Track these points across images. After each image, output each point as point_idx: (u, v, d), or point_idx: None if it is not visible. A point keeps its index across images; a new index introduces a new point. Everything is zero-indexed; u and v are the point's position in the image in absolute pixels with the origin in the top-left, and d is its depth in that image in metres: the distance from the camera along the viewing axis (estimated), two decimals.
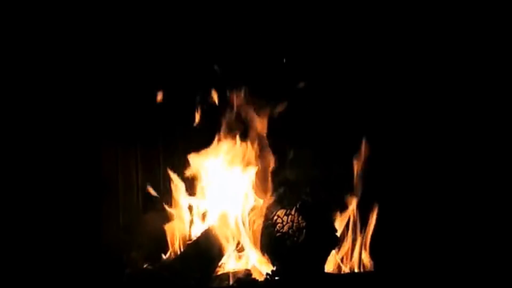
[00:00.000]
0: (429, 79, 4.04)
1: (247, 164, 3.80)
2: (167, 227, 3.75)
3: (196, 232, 3.72)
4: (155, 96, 3.91)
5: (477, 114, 4.00)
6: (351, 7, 4.02)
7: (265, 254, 3.63)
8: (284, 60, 3.96)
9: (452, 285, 3.65)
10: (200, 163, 3.79)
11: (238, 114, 3.88)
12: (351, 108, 4.06)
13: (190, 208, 3.81)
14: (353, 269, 3.73)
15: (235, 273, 3.57)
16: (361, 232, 3.79)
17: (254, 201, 3.76)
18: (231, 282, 3.52)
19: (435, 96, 4.03)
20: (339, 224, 3.72)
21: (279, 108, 3.88)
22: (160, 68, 3.98)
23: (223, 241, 3.61)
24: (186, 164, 3.80)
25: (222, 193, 3.77)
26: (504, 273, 3.72)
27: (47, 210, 3.77)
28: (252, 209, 3.74)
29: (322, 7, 4.03)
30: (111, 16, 3.89)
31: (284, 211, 3.64)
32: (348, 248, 3.78)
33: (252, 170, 3.77)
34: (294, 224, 3.57)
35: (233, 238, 3.66)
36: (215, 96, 3.90)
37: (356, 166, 3.84)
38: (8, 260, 3.68)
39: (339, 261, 3.75)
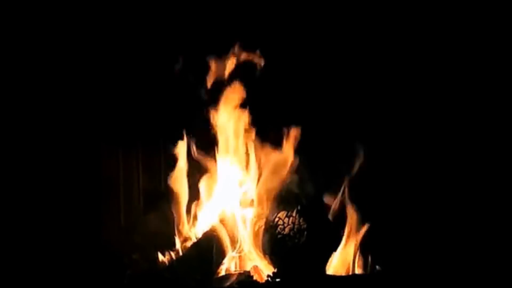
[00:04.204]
0: (428, 80, 4.04)
1: (249, 165, 3.80)
2: (168, 228, 3.75)
3: (197, 234, 3.73)
4: (156, 97, 3.90)
5: (477, 115, 4.01)
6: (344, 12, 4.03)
7: (266, 256, 3.63)
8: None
9: (453, 285, 3.66)
10: (202, 165, 3.79)
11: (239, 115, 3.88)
12: (350, 109, 4.07)
13: (191, 209, 3.81)
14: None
15: (236, 275, 3.57)
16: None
17: (256, 202, 3.76)
18: (232, 284, 3.53)
19: (433, 97, 4.04)
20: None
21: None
22: (160, 69, 3.97)
23: (224, 243, 3.60)
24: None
25: (223, 194, 3.78)
26: (504, 273, 3.73)
27: (48, 211, 3.79)
28: (254, 211, 3.74)
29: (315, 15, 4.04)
30: (111, 18, 3.89)
31: (285, 212, 3.64)
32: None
33: (254, 172, 3.77)
34: (295, 226, 3.57)
35: (234, 239, 3.66)
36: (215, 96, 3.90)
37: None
38: (9, 261, 3.69)
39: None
